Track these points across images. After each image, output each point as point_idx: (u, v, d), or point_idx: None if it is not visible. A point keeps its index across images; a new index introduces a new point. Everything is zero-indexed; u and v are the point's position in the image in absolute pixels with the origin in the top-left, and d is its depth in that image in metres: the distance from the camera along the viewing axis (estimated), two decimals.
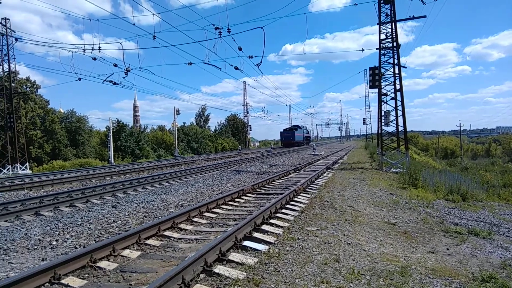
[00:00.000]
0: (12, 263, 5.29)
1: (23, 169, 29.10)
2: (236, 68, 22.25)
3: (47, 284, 4.32)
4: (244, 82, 75.08)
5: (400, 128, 20.90)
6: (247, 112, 77.34)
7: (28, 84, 36.96)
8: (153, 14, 19.80)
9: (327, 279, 4.43)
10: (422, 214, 9.12)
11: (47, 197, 11.02)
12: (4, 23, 27.68)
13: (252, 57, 20.07)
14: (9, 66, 29.21)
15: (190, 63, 23.46)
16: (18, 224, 7.98)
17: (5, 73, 29.24)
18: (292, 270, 4.70)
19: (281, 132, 65.80)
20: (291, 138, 62.23)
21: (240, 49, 19.61)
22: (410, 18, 20.87)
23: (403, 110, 20.34)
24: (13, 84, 30.06)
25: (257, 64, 20.21)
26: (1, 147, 28.13)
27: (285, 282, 4.32)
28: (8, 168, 27.94)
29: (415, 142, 75.90)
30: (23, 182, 16.30)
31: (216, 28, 18.10)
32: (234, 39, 22.40)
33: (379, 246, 6.10)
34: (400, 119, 20.64)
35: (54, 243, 6.37)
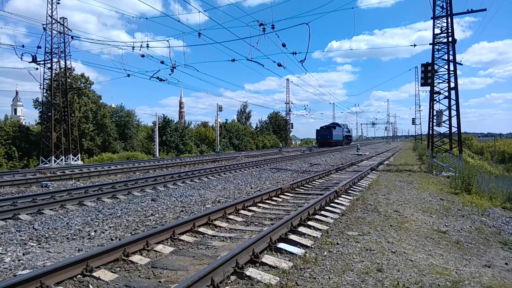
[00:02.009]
0: (50, 252, 5.40)
1: (75, 160, 30.84)
2: (279, 65, 21.94)
3: (79, 276, 4.31)
4: (287, 80, 74.60)
5: (454, 129, 19.52)
6: (289, 110, 76.72)
7: (82, 80, 39.04)
8: (199, 12, 20.02)
9: None
10: (477, 223, 8.31)
11: (92, 188, 11.43)
12: (62, 22, 29.40)
13: (296, 53, 19.63)
14: (65, 62, 31.07)
15: (233, 60, 23.56)
16: (62, 213, 8.27)
17: (62, 69, 31.08)
18: (329, 278, 4.35)
19: (317, 130, 58.50)
20: (328, 137, 55.62)
21: (284, 45, 19.24)
22: (468, 12, 19.37)
23: (457, 110, 18.94)
24: (68, 80, 31.90)
25: (301, 61, 19.68)
26: (56, 139, 29.93)
27: None
28: (62, 159, 29.71)
29: (468, 144, 71.09)
30: (72, 172, 17.16)
31: (260, 25, 17.89)
32: (278, 35, 22.16)
33: (428, 256, 5.55)
34: (454, 120, 19.28)
35: (93, 233, 6.48)
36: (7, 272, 4.60)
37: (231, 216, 7.62)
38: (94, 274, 4.38)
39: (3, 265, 4.83)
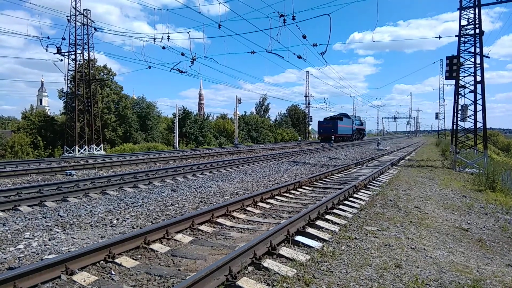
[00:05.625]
0: (74, 238, 5.60)
1: (98, 150, 31.61)
2: (299, 57, 21.74)
3: (102, 262, 4.45)
4: (307, 72, 73.87)
5: (479, 125, 18.95)
6: (309, 103, 76.04)
7: (105, 71, 39.83)
8: (220, 3, 20.00)
9: (385, 286, 4.01)
10: (501, 221, 8.08)
11: (114, 177, 11.71)
12: (86, 14, 29.95)
13: (316, 45, 19.37)
14: (88, 54, 31.70)
15: (253, 52, 23.38)
16: (86, 201, 8.54)
17: (85, 61, 31.74)
18: (346, 272, 4.34)
19: (318, 122, 49.86)
20: (332, 130, 46.81)
21: (304, 37, 19.00)
22: (497, 2, 18.57)
23: (483, 105, 18.35)
24: (91, 71, 32.57)
25: (321, 53, 19.42)
26: (80, 129, 30.72)
27: (338, 284, 3.98)
28: (85, 149, 30.51)
29: (494, 140, 69.01)
30: (95, 162, 17.62)
31: (281, 16, 17.70)
32: (299, 26, 21.94)
33: (448, 253, 5.45)
34: (479, 115, 18.71)
35: (115, 221, 6.66)
36: (34, 256, 4.80)
37: (249, 208, 7.68)
38: (116, 260, 4.51)
39: (31, 249, 5.05)
